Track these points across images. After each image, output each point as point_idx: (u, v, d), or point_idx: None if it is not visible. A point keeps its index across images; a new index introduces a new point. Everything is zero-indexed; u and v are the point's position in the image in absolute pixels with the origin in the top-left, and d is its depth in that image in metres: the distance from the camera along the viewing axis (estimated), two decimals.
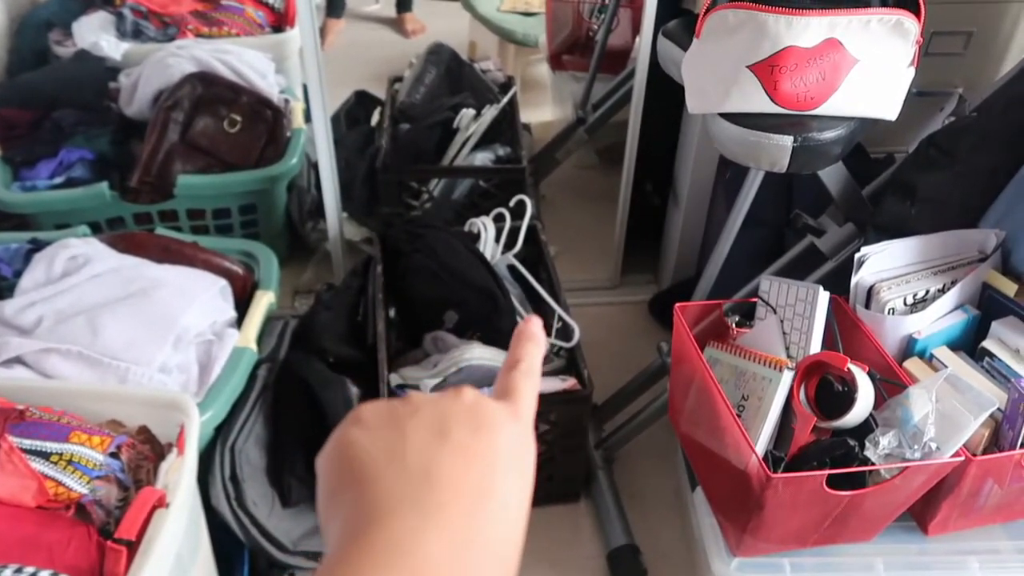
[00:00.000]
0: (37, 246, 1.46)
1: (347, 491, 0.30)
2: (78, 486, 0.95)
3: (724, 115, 1.00)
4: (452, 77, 2.06)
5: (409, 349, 1.46)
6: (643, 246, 1.86)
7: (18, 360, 1.13)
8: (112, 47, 1.95)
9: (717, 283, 1.41)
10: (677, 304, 1.11)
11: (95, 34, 1.97)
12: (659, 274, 1.87)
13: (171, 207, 1.71)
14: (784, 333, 1.05)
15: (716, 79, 1.00)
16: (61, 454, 0.96)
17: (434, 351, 1.38)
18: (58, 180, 1.70)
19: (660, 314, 1.75)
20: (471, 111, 1.82)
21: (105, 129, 1.81)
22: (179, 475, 0.97)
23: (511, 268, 1.47)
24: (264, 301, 1.35)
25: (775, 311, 1.07)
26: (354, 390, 1.29)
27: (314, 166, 1.94)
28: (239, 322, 1.32)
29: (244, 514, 1.21)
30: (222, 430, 1.24)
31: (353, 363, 1.38)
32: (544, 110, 2.52)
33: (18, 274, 1.41)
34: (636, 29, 2.18)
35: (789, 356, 1.02)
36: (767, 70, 0.95)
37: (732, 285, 1.35)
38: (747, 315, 1.19)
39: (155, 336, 1.16)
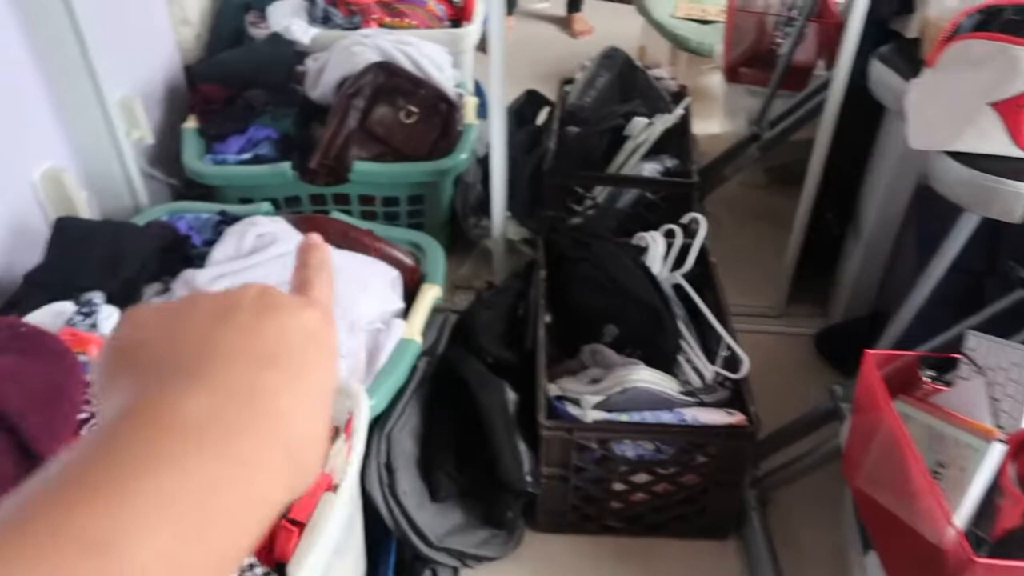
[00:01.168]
0: (225, 219, 1.54)
1: (120, 378, 0.28)
2: None
3: (952, 154, 0.92)
4: (624, 83, 2.02)
5: (562, 356, 1.44)
6: (813, 275, 1.76)
7: None
8: (302, 31, 2.03)
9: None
10: (868, 351, 1.04)
11: (287, 18, 2.06)
12: (828, 307, 1.76)
13: (344, 191, 1.76)
14: (992, 399, 0.96)
15: (949, 114, 0.91)
16: None
17: (591, 364, 1.36)
18: (245, 156, 1.79)
19: (828, 351, 1.66)
20: (643, 119, 1.78)
21: (290, 110, 1.89)
22: (346, 461, 0.99)
23: (677, 288, 1.42)
24: (431, 294, 1.37)
25: (983, 373, 0.98)
26: (511, 395, 1.28)
27: (481, 162, 1.96)
28: (405, 313, 1.34)
29: (395, 503, 1.23)
30: (380, 417, 1.26)
31: (509, 366, 1.38)
32: (712, 122, 2.44)
33: (207, 243, 1.49)
34: (823, 45, 2.07)
35: (999, 426, 0.93)
36: (1014, 110, 0.86)
37: (919, 332, 1.25)
38: (941, 369, 1.09)
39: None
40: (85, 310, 1.11)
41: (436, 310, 1.43)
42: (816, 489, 1.34)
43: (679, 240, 1.45)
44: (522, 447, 1.24)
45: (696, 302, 1.37)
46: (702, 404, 1.20)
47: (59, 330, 1.07)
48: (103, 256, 1.29)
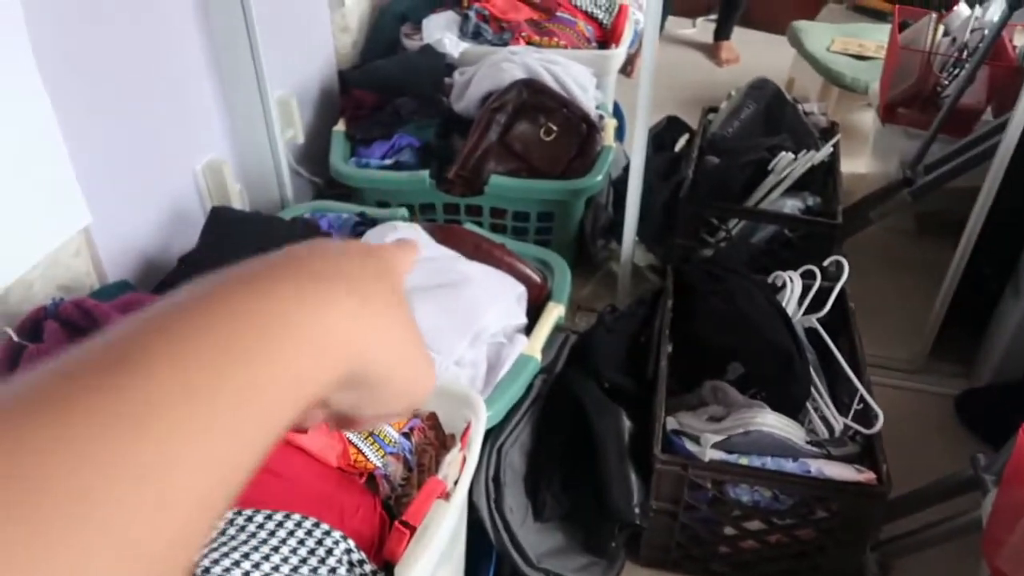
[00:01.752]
0: (363, 220, 1.61)
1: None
2: (374, 458, 1.01)
3: None
4: (771, 115, 1.96)
5: (679, 388, 1.41)
6: (959, 332, 1.65)
7: None
8: (452, 45, 2.10)
9: None
10: None
11: (440, 31, 2.13)
12: (974, 368, 1.64)
13: (478, 203, 1.80)
14: None
15: None
16: None
17: (712, 400, 1.32)
18: (388, 162, 1.86)
19: (969, 415, 1.54)
20: (790, 155, 1.72)
21: (433, 120, 1.95)
22: (460, 471, 1.00)
23: (811, 332, 1.36)
24: (555, 313, 1.37)
25: None
26: (627, 423, 1.26)
27: (614, 184, 1.96)
28: (527, 329, 1.35)
29: (500, 517, 1.24)
30: (493, 430, 1.27)
31: (626, 393, 1.36)
32: (858, 161, 2.34)
33: None
34: (994, 89, 1.94)
35: None
36: None
37: None
38: None
39: (458, 329, 1.21)
40: None
41: (557, 329, 1.43)
42: (944, 562, 1.24)
43: (818, 283, 1.39)
44: (633, 478, 1.21)
45: (831, 349, 1.31)
46: (829, 457, 1.14)
47: None
48: (252, 246, 1.36)
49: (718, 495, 1.18)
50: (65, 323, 1.03)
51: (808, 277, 1.41)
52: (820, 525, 1.17)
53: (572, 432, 1.33)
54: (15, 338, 1.01)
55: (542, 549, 1.27)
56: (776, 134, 1.90)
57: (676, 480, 1.18)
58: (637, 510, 1.20)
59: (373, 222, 1.58)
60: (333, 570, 0.90)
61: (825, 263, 1.43)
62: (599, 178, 1.77)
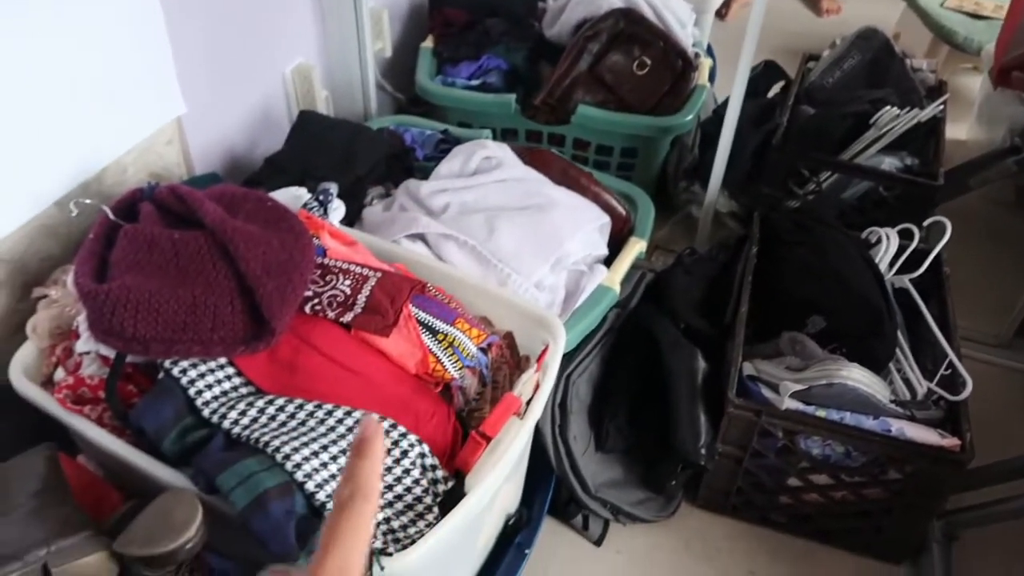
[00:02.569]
0: (447, 138, 1.59)
1: None
2: (452, 368, 1.02)
3: None
4: (877, 68, 1.87)
5: (754, 338, 1.38)
6: None
7: (420, 237, 1.23)
8: None
9: None
10: None
11: None
12: None
13: (562, 132, 1.76)
14: None
15: None
16: (446, 335, 1.03)
17: (789, 352, 1.29)
18: (474, 83, 1.83)
19: None
20: (894, 110, 1.64)
21: (523, 45, 1.91)
22: (535, 391, 1.00)
23: (900, 292, 1.31)
24: (636, 248, 1.34)
25: None
26: (702, 364, 1.24)
27: (702, 126, 1.90)
28: (607, 261, 1.33)
29: (563, 443, 1.24)
30: (563, 358, 1.27)
31: (700, 335, 1.33)
32: (959, 126, 2.22)
33: (427, 159, 1.55)
34: None
35: None
36: None
37: None
38: None
39: (540, 252, 1.20)
40: (321, 198, 1.17)
41: (635, 265, 1.41)
42: (1013, 538, 1.21)
43: (915, 243, 1.34)
44: (703, 418, 1.20)
45: (922, 312, 1.26)
46: (912, 418, 1.11)
47: (296, 212, 1.15)
48: (339, 151, 1.36)
49: (788, 445, 1.16)
50: (160, 206, 1.04)
51: (904, 236, 1.35)
52: (891, 486, 1.15)
53: (641, 367, 1.32)
54: (111, 216, 1.03)
55: (600, 479, 1.27)
56: (879, 87, 1.81)
57: (747, 426, 1.16)
58: (703, 451, 1.19)
59: (457, 140, 1.56)
60: (407, 471, 0.91)
61: (925, 223, 1.37)
62: (689, 117, 1.71)
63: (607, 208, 1.34)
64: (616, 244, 1.36)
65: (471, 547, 1.09)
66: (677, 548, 1.28)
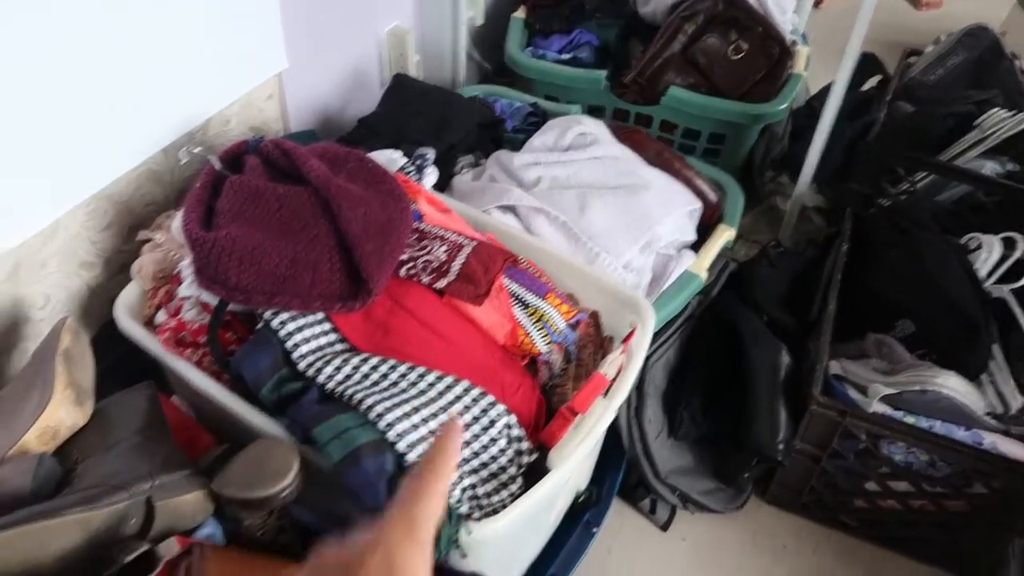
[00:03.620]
0: (536, 111, 1.58)
1: None
2: (540, 343, 1.02)
3: None
4: (982, 68, 1.80)
5: (836, 337, 1.35)
6: None
7: (511, 209, 1.23)
8: None
9: None
10: None
11: None
12: None
13: (649, 113, 1.74)
14: None
15: None
16: (536, 309, 1.03)
17: (875, 354, 1.26)
18: (565, 56, 1.81)
19: None
20: (1002, 112, 1.58)
21: (615, 21, 1.88)
22: (619, 373, 0.99)
23: (997, 301, 1.27)
24: (724, 236, 1.32)
25: None
26: (786, 359, 1.22)
27: (794, 115, 1.85)
28: (694, 247, 1.31)
29: (637, 426, 1.24)
30: None
31: (781, 330, 1.31)
32: None
33: (516, 131, 1.54)
34: None
35: None
36: None
37: None
38: None
39: (631, 233, 1.19)
40: (418, 162, 1.18)
41: (719, 254, 1.39)
42: None
43: (1018, 252, 1.29)
44: (783, 414, 1.18)
45: (1020, 323, 1.22)
46: (1007, 433, 1.08)
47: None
48: (432, 117, 1.36)
49: (870, 448, 1.14)
50: (265, 159, 1.06)
51: (1007, 246, 1.31)
52: (975, 500, 1.12)
53: (719, 357, 1.30)
54: (218, 167, 1.05)
55: (671, 466, 1.27)
56: (984, 88, 1.74)
57: (829, 425, 1.14)
58: (780, 447, 1.17)
59: (546, 114, 1.55)
60: (494, 440, 0.92)
61: None
62: (783, 106, 1.67)
63: (698, 193, 1.32)
64: (704, 231, 1.34)
65: (545, 520, 1.10)
66: (743, 541, 1.27)
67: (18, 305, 1.02)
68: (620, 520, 1.28)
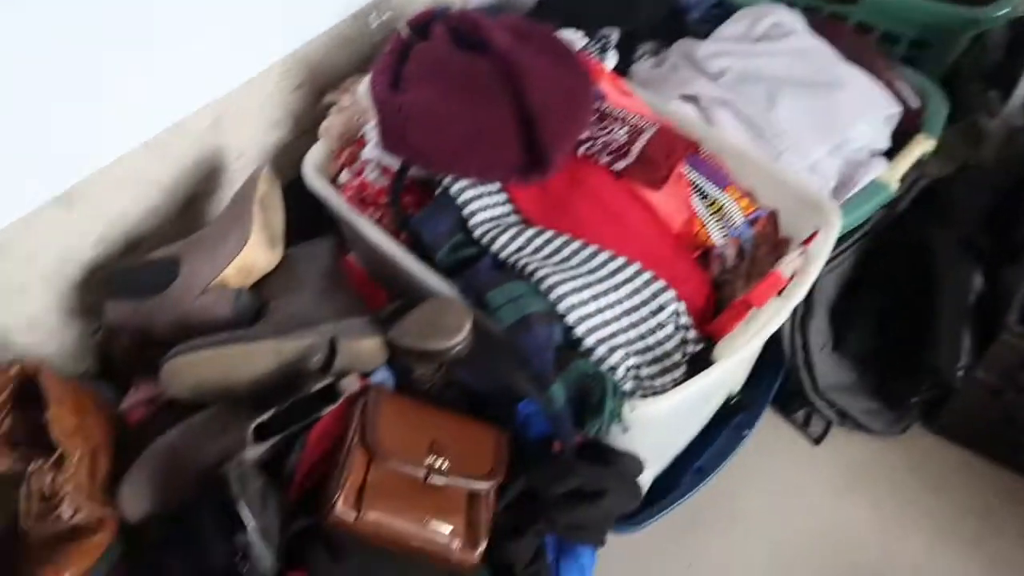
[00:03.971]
0: (720, 3, 1.49)
1: None
2: (716, 235, 0.99)
3: None
4: None
5: None
6: None
7: (692, 99, 1.18)
8: None
9: None
10: None
11: None
12: None
13: (846, 11, 1.59)
14: None
15: None
16: (715, 200, 1.00)
17: None
18: None
19: None
20: None
21: None
22: (797, 276, 0.95)
23: None
24: (922, 146, 1.21)
25: None
26: (979, 281, 1.13)
27: (1011, 24, 1.65)
28: (887, 155, 1.22)
29: (801, 335, 1.20)
30: None
31: (977, 252, 1.21)
32: None
33: (699, 21, 1.46)
34: None
35: None
36: None
37: None
38: None
39: (820, 133, 1.11)
40: (601, 43, 1.15)
41: (913, 166, 1.29)
42: None
43: None
44: (966, 339, 1.10)
45: None
46: None
47: None
48: (616, 1, 1.31)
49: None
50: (452, 29, 1.05)
51: None
52: None
53: (899, 274, 1.22)
54: (406, 34, 1.06)
55: (832, 380, 1.22)
56: None
57: (1019, 357, 1.06)
58: (959, 373, 1.10)
59: (732, 6, 1.45)
60: (661, 325, 0.91)
61: None
62: (1004, 11, 1.49)
63: (899, 97, 1.21)
64: (899, 139, 1.24)
65: (699, 413, 1.10)
66: (900, 468, 1.21)
67: (217, 154, 1.09)
68: (771, 429, 1.25)
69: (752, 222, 1.01)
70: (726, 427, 1.16)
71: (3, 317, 0.92)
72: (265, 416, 0.80)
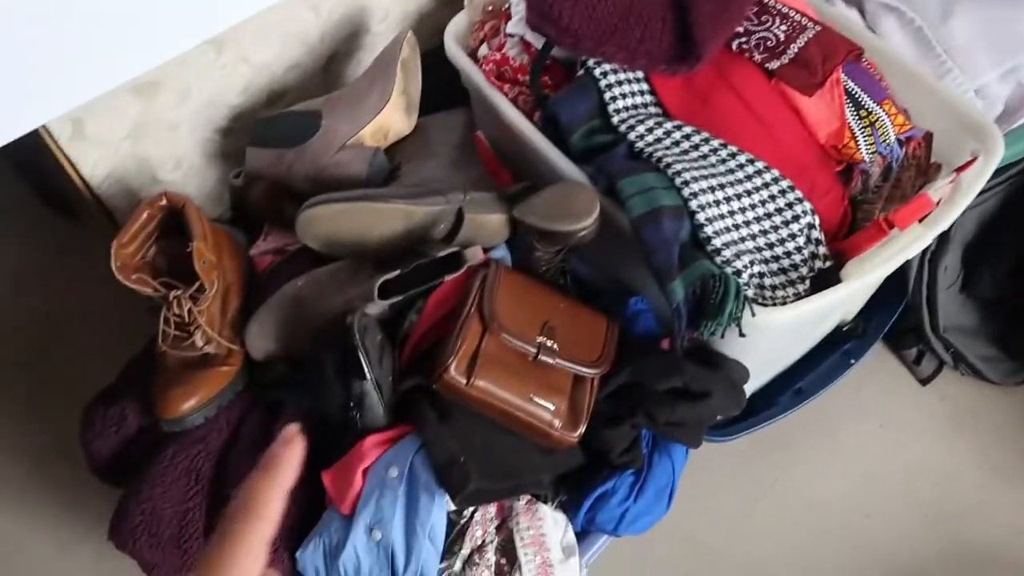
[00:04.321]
0: None
1: None
2: (865, 150, 0.94)
3: None
4: None
5: None
6: None
7: (856, 4, 1.10)
8: None
9: None
10: None
11: None
12: None
13: None
14: None
15: None
16: (870, 113, 0.94)
17: None
18: None
19: None
20: None
21: None
22: (944, 204, 0.90)
23: None
24: None
25: None
26: None
27: None
28: None
29: (929, 271, 1.15)
30: None
31: None
32: None
33: None
34: None
35: None
36: None
37: None
38: None
39: (996, 54, 1.03)
40: None
41: None
42: None
43: None
44: None
45: None
46: None
47: None
48: None
49: None
50: None
51: None
52: None
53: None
54: None
55: (953, 321, 1.17)
56: None
57: None
58: None
59: None
60: (792, 236, 0.88)
61: None
62: None
63: None
64: None
65: (810, 333, 1.07)
66: (1012, 419, 1.17)
67: (363, 14, 1.09)
68: (878, 361, 1.22)
69: (903, 142, 0.95)
70: (834, 352, 1.13)
71: (154, 152, 0.97)
72: (391, 275, 0.83)
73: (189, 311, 0.87)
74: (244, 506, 0.36)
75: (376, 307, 0.84)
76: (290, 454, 0.39)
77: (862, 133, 0.93)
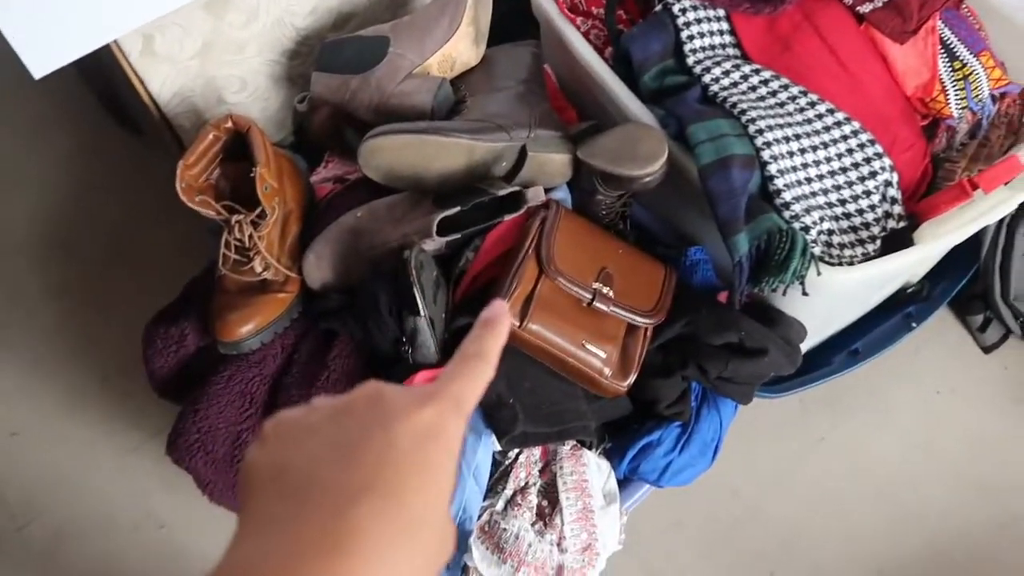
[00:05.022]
0: None
1: (240, 512, 0.29)
2: (955, 105, 0.89)
3: None
4: None
5: None
6: None
7: None
8: None
9: None
10: None
11: None
12: None
13: None
14: None
15: None
16: (964, 65, 0.89)
17: None
18: None
19: None
20: None
21: None
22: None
23: None
24: None
25: None
26: None
27: None
28: None
29: (1006, 236, 1.10)
30: None
31: None
32: None
33: None
34: None
35: None
36: None
37: None
38: None
39: None
40: None
41: None
42: None
43: None
44: None
45: None
46: None
47: None
48: None
49: None
50: None
51: None
52: None
53: None
54: None
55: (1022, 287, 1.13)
56: None
57: None
58: None
59: None
60: (868, 193, 0.85)
61: None
62: None
63: None
64: None
65: (874, 295, 1.04)
66: None
67: None
68: (940, 326, 1.18)
69: (998, 97, 0.90)
70: (895, 314, 1.10)
71: (221, 73, 0.96)
72: (450, 211, 0.82)
73: (249, 236, 0.87)
74: (479, 355, 0.36)
75: (433, 243, 0.84)
76: (504, 322, 0.40)
77: (953, 87, 0.88)
